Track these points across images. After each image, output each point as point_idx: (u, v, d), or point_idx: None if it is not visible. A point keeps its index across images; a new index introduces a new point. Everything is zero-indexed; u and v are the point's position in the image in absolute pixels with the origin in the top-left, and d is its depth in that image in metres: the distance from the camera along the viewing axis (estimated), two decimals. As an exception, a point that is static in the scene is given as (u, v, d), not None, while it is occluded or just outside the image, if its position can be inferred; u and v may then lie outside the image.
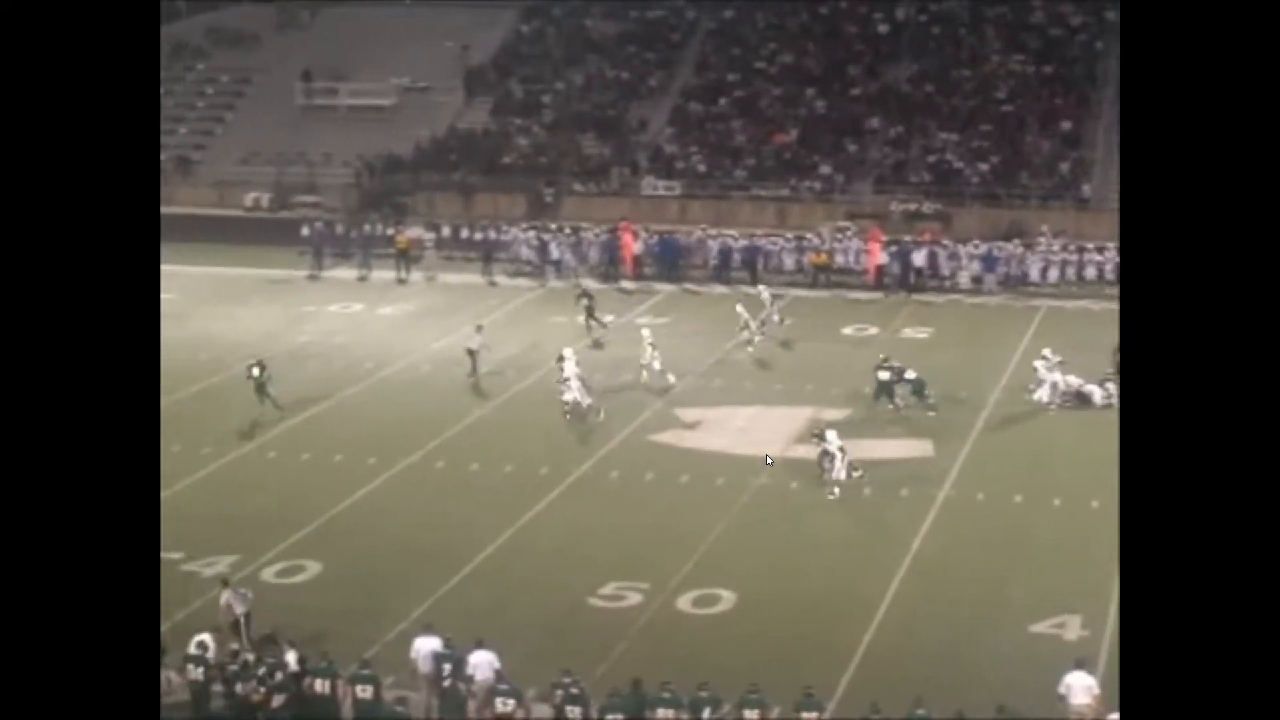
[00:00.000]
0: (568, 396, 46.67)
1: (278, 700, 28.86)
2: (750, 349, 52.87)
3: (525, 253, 66.46)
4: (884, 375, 46.40)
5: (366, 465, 43.11)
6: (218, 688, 29.38)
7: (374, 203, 75.43)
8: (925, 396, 46.52)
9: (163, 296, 60.74)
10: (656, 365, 49.86)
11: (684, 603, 34.96)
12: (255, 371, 47.44)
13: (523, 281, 64.46)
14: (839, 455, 40.54)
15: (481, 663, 29.25)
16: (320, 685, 28.89)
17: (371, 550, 37.77)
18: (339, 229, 69.41)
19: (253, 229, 73.76)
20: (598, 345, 52.99)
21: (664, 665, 30.19)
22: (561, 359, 47.85)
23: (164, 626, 31.02)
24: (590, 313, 55.44)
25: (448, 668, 29.37)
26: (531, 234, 67.02)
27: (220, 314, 60.11)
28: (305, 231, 69.07)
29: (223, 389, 50.03)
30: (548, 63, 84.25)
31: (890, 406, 46.28)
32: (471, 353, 50.77)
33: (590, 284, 62.83)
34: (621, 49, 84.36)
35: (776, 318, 55.22)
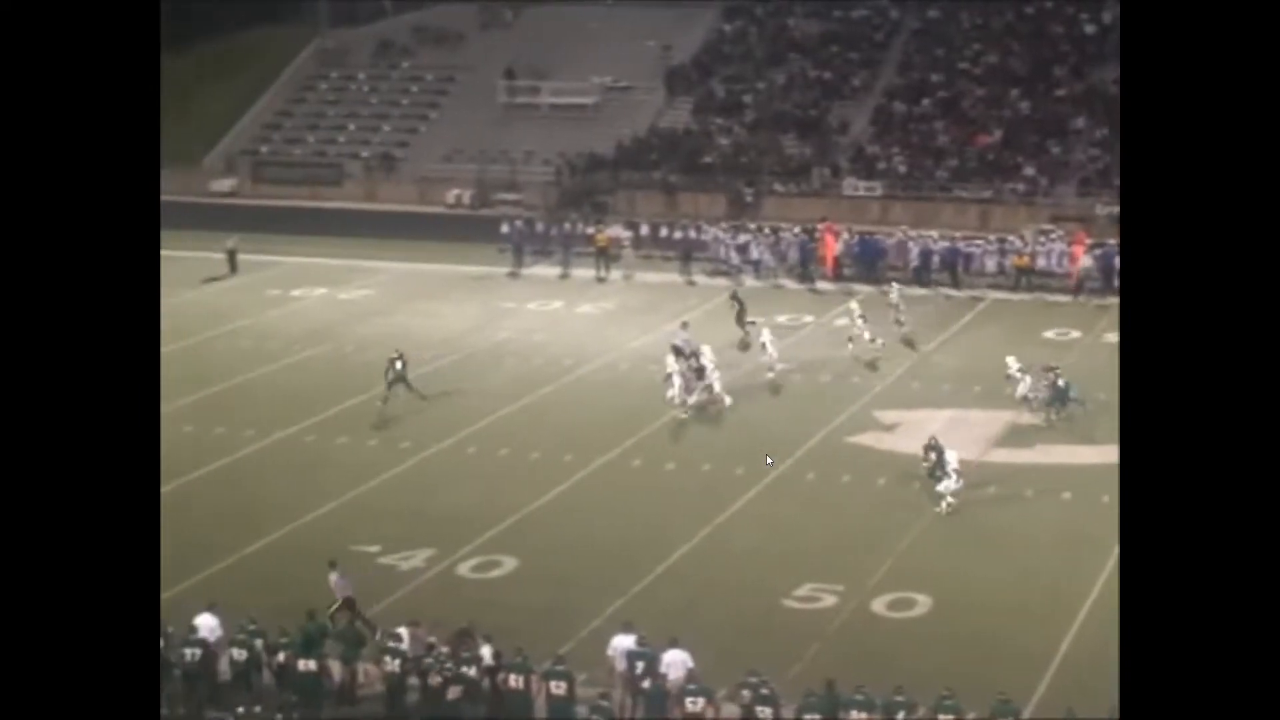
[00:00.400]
0: (671, 393, 47.00)
1: (453, 692, 29.00)
2: (850, 346, 52.53)
3: (724, 252, 66.33)
4: (1059, 381, 45.72)
5: (563, 462, 43.25)
6: (413, 680, 29.59)
7: (574, 201, 75.76)
8: (1074, 401, 45.71)
9: (362, 292, 62.32)
10: (865, 335, 51.15)
11: (879, 605, 34.67)
12: (398, 365, 47.86)
13: (721, 281, 64.27)
14: (952, 472, 39.86)
15: (675, 662, 29.18)
16: (514, 680, 29.01)
17: (567, 547, 37.88)
18: (539, 227, 69.75)
19: (454, 226, 74.43)
20: (744, 346, 52.54)
21: (858, 668, 29.93)
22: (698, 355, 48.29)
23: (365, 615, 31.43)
24: (740, 317, 54.98)
25: (641, 666, 29.34)
26: (731, 233, 66.88)
27: (420, 310, 60.63)
28: (505, 229, 69.48)
29: (421, 384, 50.42)
30: (749, 62, 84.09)
31: (1063, 412, 45.58)
32: (678, 349, 50.86)
33: (788, 284, 62.72)
34: (824, 48, 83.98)
35: (902, 319, 54.71)
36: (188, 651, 29.96)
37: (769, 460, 42.56)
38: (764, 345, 50.10)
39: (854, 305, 53.28)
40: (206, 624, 30.53)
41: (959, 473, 39.43)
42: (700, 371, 47.77)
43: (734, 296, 55.90)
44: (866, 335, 51.84)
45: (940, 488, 39.48)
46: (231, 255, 66.24)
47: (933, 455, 40.55)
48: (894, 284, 57.78)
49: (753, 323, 53.90)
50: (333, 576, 33.16)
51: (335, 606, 32.37)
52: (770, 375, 49.65)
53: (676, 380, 47.02)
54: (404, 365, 47.90)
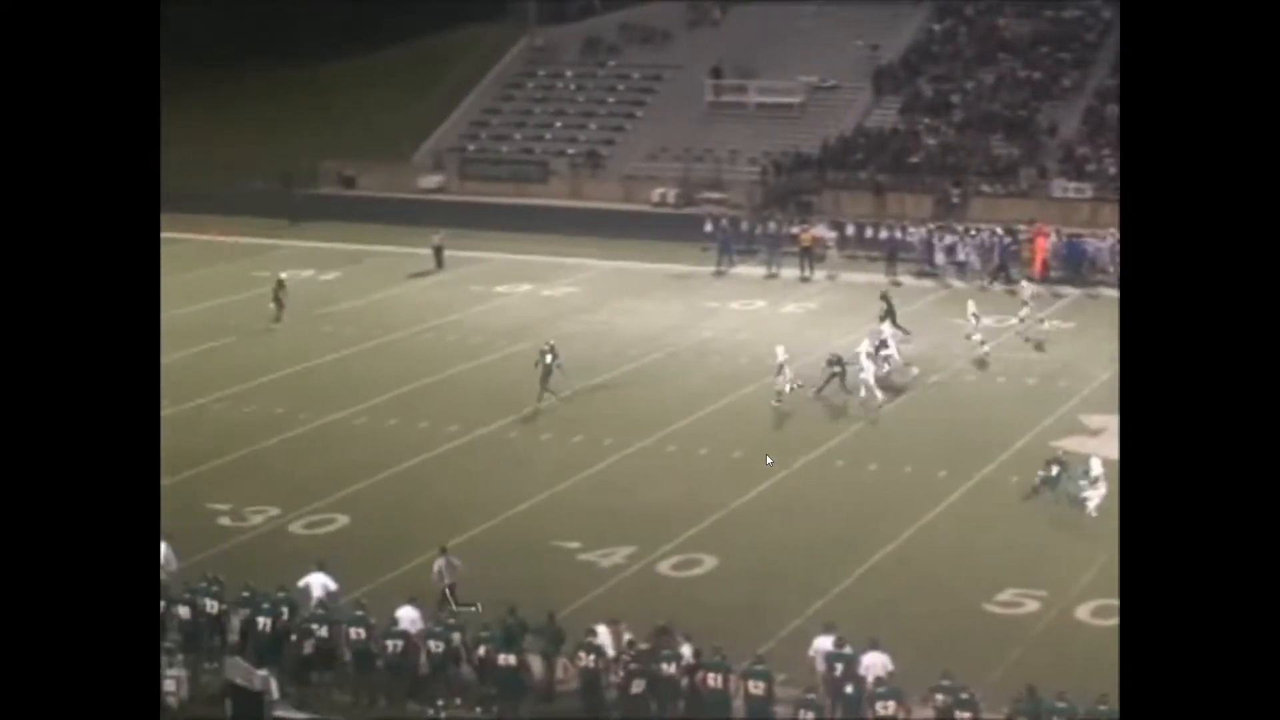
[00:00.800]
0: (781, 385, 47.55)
1: (637, 686, 28.99)
2: (985, 348, 51.94)
3: (929, 253, 65.76)
4: None
5: (765, 463, 43.10)
6: (611, 678, 29.62)
7: (779, 200, 75.56)
8: None
9: (566, 289, 62.63)
10: (976, 336, 51.84)
11: (1083, 612, 34.13)
12: (548, 358, 48.12)
13: (926, 282, 63.78)
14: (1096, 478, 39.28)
15: (875, 664, 28.94)
16: (713, 679, 28.92)
17: (768, 546, 37.76)
18: (743, 226, 69.66)
19: (658, 224, 74.56)
20: (883, 346, 51.75)
21: (1060, 674, 29.49)
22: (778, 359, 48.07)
23: (561, 614, 31.55)
24: (890, 316, 54.20)
25: (840, 667, 29.14)
26: (937, 234, 66.28)
27: (624, 308, 60.82)
28: (709, 228, 69.51)
29: (624, 382, 50.62)
30: (958, 62, 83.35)
31: None
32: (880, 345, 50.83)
33: (993, 285, 62.10)
34: (1034, 48, 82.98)
35: (1040, 318, 53.89)
36: (390, 643, 30.26)
37: (769, 461, 42.27)
38: (884, 344, 50.06)
39: (970, 304, 53.35)
40: (408, 616, 30.82)
41: (1101, 478, 38.80)
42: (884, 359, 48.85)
43: (883, 297, 55.29)
44: (977, 336, 51.85)
45: (1085, 495, 38.89)
46: (438, 251, 66.88)
47: (1053, 467, 40.09)
48: (1024, 282, 57.14)
49: (905, 331, 53.14)
50: (438, 563, 33.70)
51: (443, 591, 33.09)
52: (893, 375, 49.66)
53: (786, 371, 47.68)
54: (554, 358, 48.12)
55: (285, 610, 31.18)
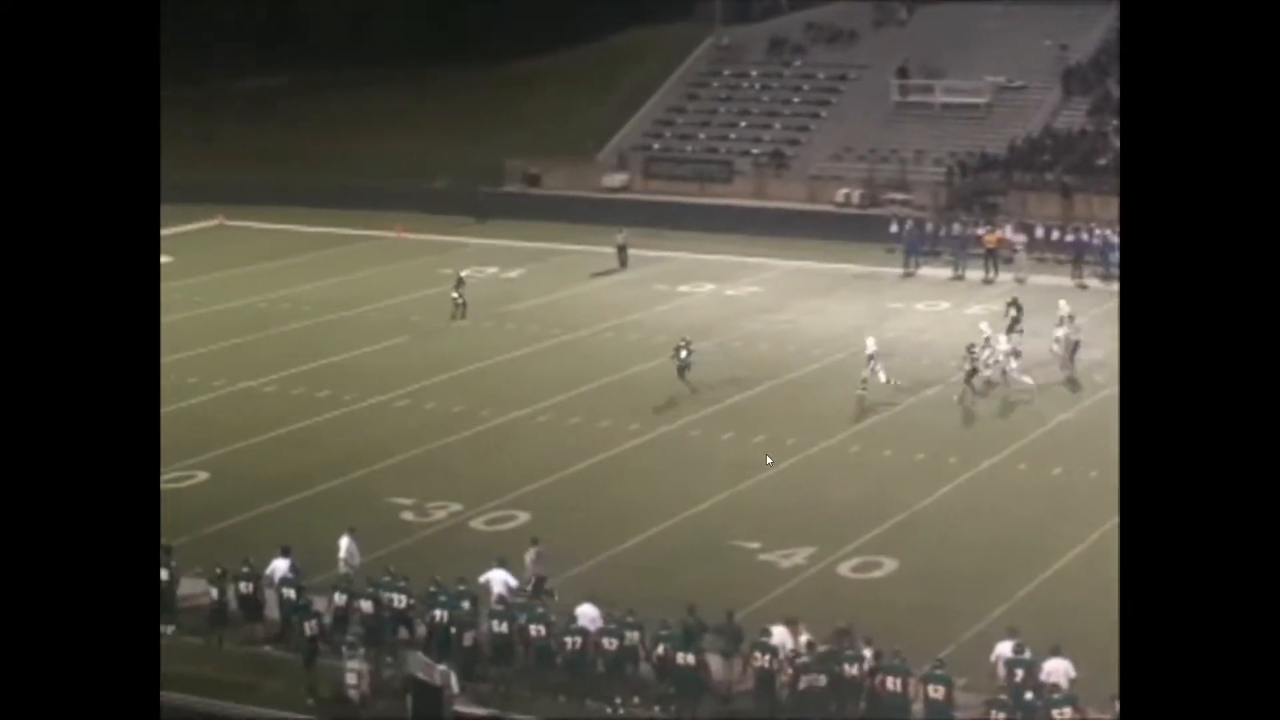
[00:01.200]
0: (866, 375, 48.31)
1: (804, 681, 28.85)
2: (1056, 346, 51.28)
3: (1115, 256, 64.85)
4: None
5: (948, 464, 42.79)
6: (783, 677, 29.49)
7: (964, 201, 74.89)
8: None
9: (750, 289, 62.58)
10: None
11: None
12: (683, 354, 48.77)
13: (1115, 285, 62.92)
14: None
15: (1057, 670, 28.58)
16: (892, 683, 28.71)
17: (950, 549, 37.44)
18: (928, 227, 69.20)
19: (842, 224, 74.25)
20: (1015, 355, 50.78)
21: None
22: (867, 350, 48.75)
23: (740, 614, 31.47)
24: (1015, 321, 53.58)
25: (1020, 674, 28.80)
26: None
27: (808, 308, 60.65)
28: (894, 228, 69.18)
29: (805, 382, 50.45)
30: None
31: None
32: (1072, 345, 50.53)
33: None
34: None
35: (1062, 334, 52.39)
36: (569, 640, 30.37)
37: (769, 460, 41.77)
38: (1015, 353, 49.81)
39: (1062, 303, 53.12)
40: (587, 614, 30.91)
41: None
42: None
43: (1012, 303, 54.75)
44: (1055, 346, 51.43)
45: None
46: (622, 250, 67.09)
47: None
48: (1061, 302, 54.60)
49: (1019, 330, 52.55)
50: (529, 553, 33.94)
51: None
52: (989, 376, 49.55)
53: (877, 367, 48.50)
54: (689, 354, 48.67)
55: (466, 605, 31.39)
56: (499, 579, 32.16)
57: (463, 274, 59.53)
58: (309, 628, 31.12)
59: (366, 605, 31.70)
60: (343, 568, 33.51)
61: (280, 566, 32.82)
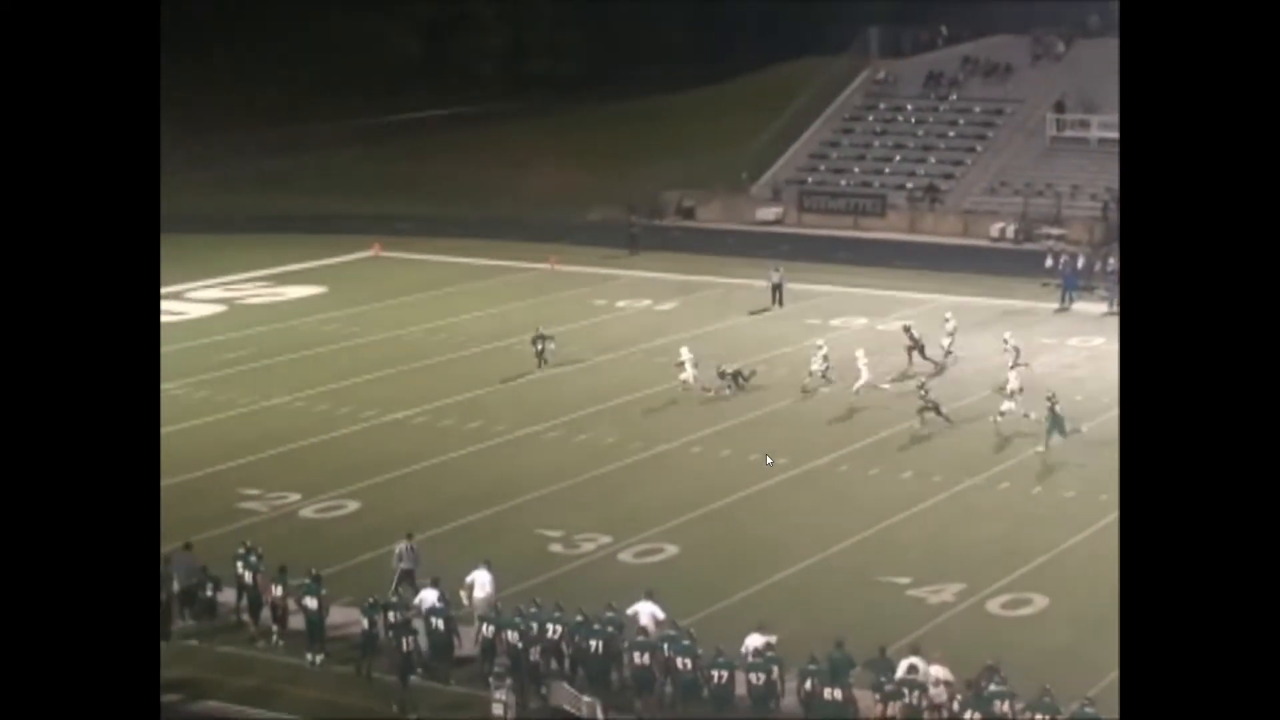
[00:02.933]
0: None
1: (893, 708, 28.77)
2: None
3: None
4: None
5: (1099, 501, 42.30)
6: (930, 715, 29.30)
7: (1120, 237, 74.14)
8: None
9: (902, 324, 62.29)
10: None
11: None
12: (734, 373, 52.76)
13: None
14: None
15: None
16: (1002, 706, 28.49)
17: (1101, 587, 36.93)
18: (1082, 262, 68.58)
19: (997, 259, 73.84)
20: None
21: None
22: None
23: (890, 647, 31.28)
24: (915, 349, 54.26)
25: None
26: None
27: (960, 343, 60.18)
28: (1049, 263, 68.64)
29: (957, 418, 50.13)
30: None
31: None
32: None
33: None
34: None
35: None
36: (715, 674, 30.35)
37: (769, 460, 41.17)
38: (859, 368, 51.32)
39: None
40: (753, 642, 30.88)
41: None
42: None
43: (906, 330, 56.73)
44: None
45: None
46: (777, 289, 66.30)
47: None
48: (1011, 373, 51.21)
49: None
50: (400, 546, 35.47)
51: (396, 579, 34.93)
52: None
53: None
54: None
55: (612, 636, 31.49)
56: (646, 611, 32.25)
57: (543, 330, 57.11)
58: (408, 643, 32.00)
59: (513, 636, 31.88)
60: (465, 602, 33.62)
61: (429, 597, 33.11)
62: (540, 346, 56.12)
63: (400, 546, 36.04)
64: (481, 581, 33.87)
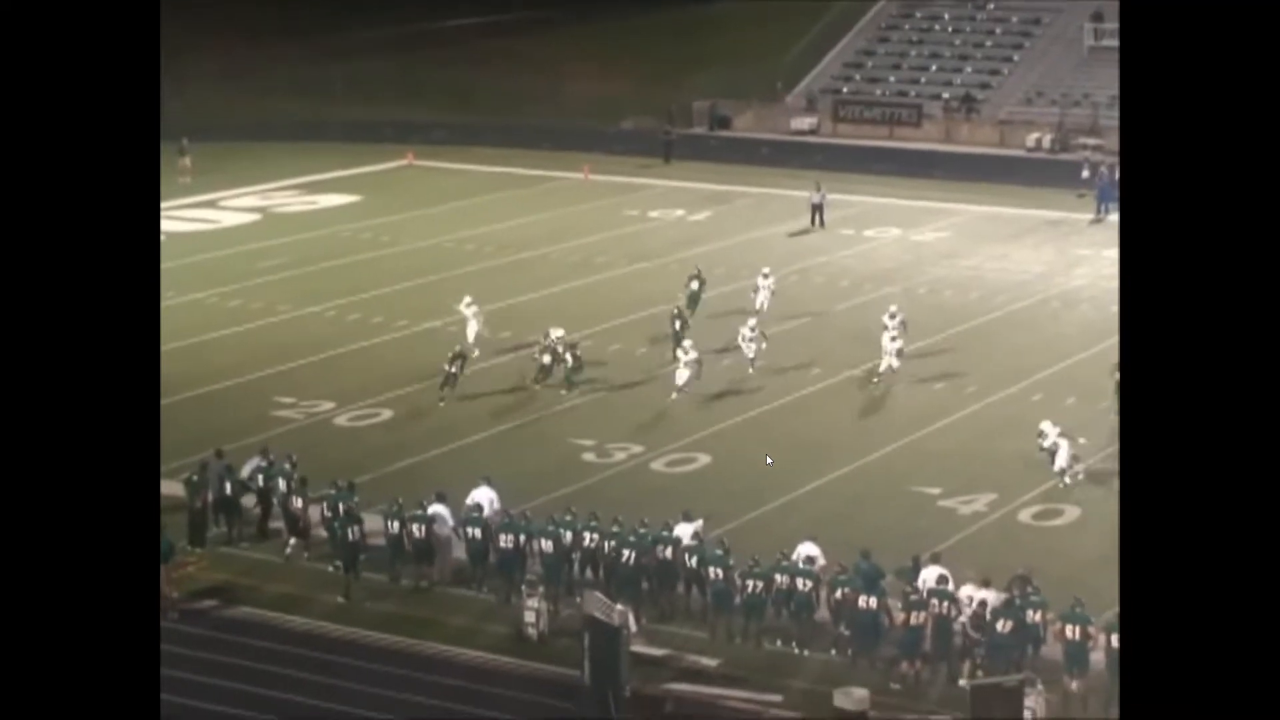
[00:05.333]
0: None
1: (985, 627, 28.86)
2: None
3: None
4: None
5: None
6: (962, 622, 29.35)
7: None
8: None
9: (936, 234, 62.15)
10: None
11: None
12: (694, 284, 50.84)
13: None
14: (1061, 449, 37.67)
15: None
16: (1071, 630, 28.49)
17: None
18: (1118, 173, 68.20)
19: (1032, 169, 73.53)
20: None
21: None
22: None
23: (921, 556, 31.32)
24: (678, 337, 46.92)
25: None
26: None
27: (995, 254, 60.07)
28: (1085, 174, 68.34)
29: (991, 329, 50.04)
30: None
31: None
32: None
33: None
34: None
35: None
36: (750, 583, 30.39)
37: (769, 460, 39.31)
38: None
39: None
40: (807, 551, 30.90)
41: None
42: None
43: (677, 316, 48.20)
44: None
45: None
46: (817, 209, 64.20)
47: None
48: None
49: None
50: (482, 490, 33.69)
51: None
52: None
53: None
54: (700, 285, 50.48)
55: (647, 546, 31.55)
56: (687, 532, 31.99)
57: (554, 333, 46.09)
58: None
59: (546, 544, 31.95)
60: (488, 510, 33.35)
61: (478, 498, 33.12)
62: (549, 359, 44.99)
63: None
64: (485, 499, 33.60)
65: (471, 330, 47.39)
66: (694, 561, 31.16)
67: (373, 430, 41.75)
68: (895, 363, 44.29)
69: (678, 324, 47.34)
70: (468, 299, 48.05)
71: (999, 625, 28.87)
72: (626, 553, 31.44)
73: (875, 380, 44.48)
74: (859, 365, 46.33)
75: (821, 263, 58.72)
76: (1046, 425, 38.43)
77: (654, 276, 56.90)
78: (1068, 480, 37.53)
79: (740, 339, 45.78)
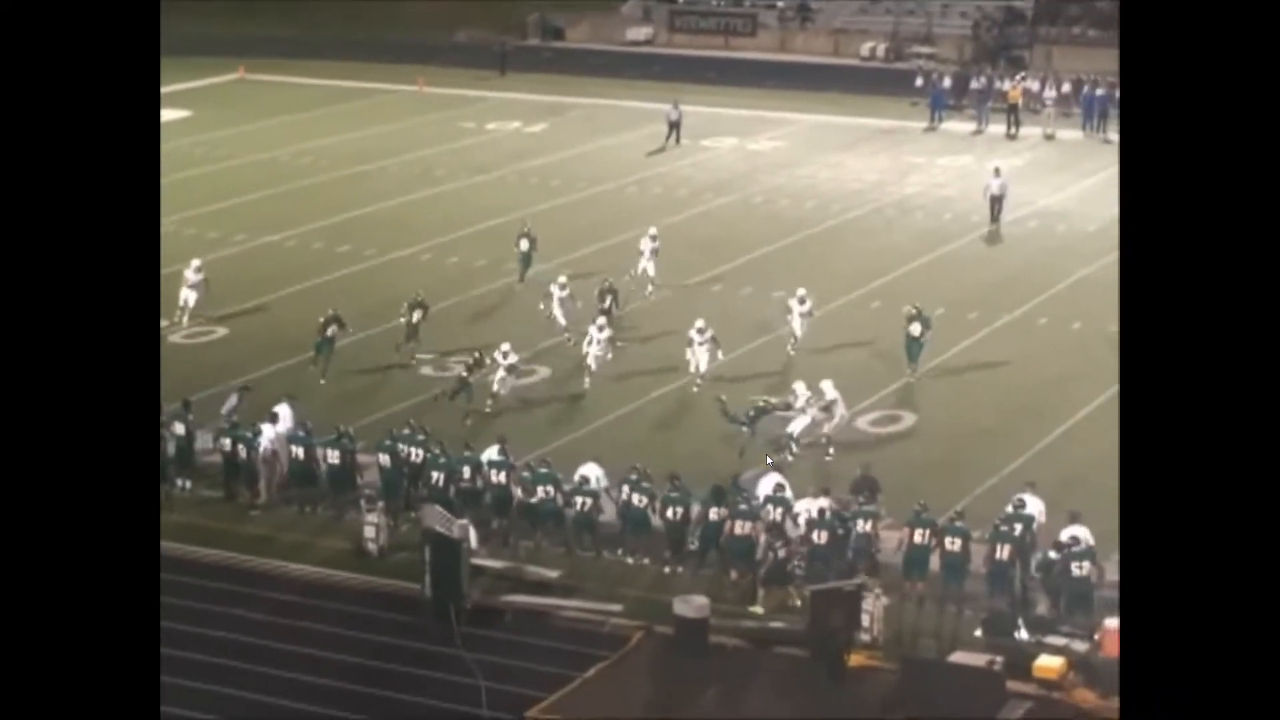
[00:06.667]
0: None
1: (817, 535, 29.02)
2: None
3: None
4: None
5: (967, 320, 42.77)
6: (796, 532, 29.55)
7: (990, 55, 74.39)
8: None
9: (772, 144, 62.31)
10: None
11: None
12: (524, 244, 45.69)
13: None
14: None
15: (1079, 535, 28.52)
16: (919, 535, 28.79)
17: (969, 403, 37.52)
18: (950, 81, 68.72)
19: (867, 78, 73.85)
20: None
21: None
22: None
23: (750, 472, 31.50)
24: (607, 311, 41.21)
25: (1018, 528, 28.79)
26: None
27: (829, 162, 60.38)
28: (919, 82, 68.82)
29: (827, 238, 50.39)
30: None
31: None
32: (995, 199, 50.93)
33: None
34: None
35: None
36: (580, 500, 30.38)
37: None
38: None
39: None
40: (594, 473, 30.96)
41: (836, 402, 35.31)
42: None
43: (607, 290, 42.02)
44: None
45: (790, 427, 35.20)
46: (674, 126, 62.77)
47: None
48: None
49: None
50: (282, 408, 33.31)
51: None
52: None
53: None
54: (532, 246, 45.34)
55: (478, 462, 31.49)
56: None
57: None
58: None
59: (384, 459, 31.83)
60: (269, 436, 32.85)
61: (285, 419, 32.91)
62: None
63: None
64: (284, 415, 33.24)
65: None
66: (502, 478, 31.12)
67: (208, 347, 41.27)
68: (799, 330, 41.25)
69: (607, 300, 41.30)
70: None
71: (819, 535, 28.93)
72: (436, 475, 31.34)
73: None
74: (696, 276, 46.47)
75: (660, 173, 58.74)
76: (799, 386, 35.11)
77: (493, 189, 56.65)
78: (796, 452, 34.28)
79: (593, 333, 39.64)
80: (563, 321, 41.51)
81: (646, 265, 44.89)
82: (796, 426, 34.65)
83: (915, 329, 38.51)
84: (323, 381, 38.22)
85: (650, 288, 44.61)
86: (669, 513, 30.04)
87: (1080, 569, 27.81)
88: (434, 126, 66.39)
